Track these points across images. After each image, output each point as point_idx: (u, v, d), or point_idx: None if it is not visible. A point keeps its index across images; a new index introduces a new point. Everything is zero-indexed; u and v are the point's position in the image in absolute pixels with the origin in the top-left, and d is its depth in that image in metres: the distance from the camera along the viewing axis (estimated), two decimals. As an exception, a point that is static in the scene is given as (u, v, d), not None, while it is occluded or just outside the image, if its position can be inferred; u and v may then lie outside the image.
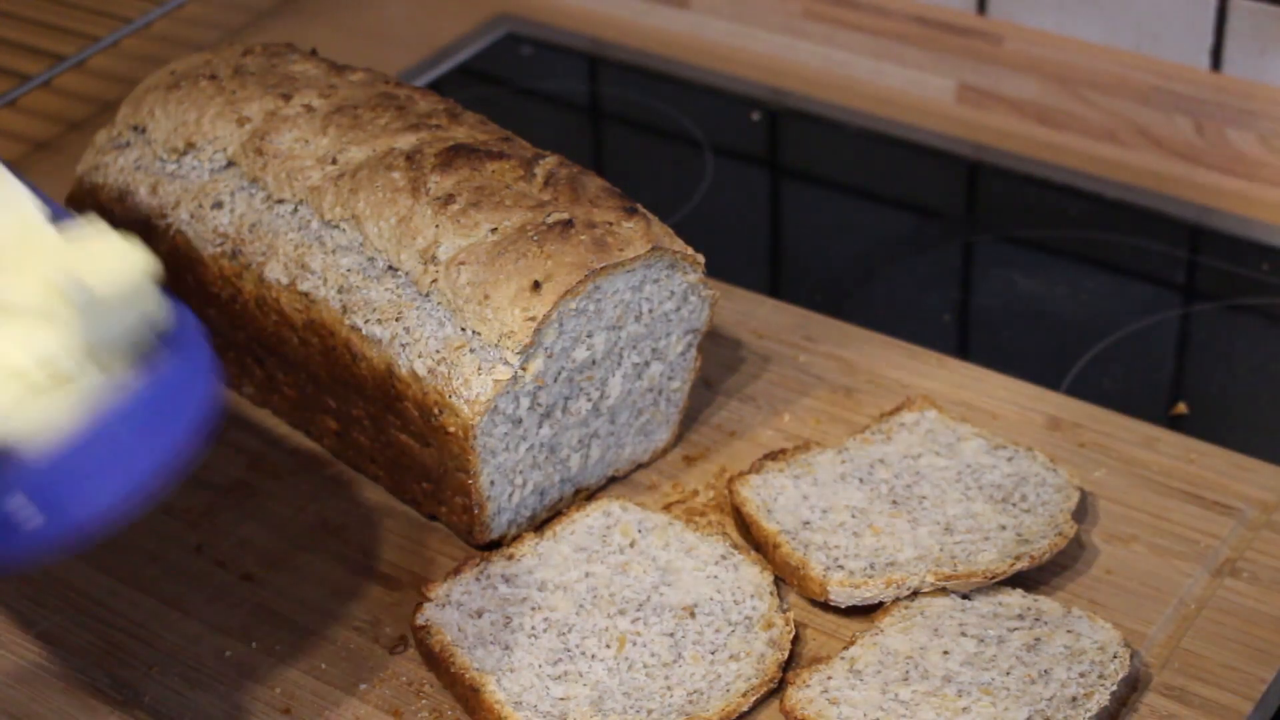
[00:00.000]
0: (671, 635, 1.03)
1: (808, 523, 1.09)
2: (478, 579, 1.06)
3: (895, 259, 1.42)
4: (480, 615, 1.04)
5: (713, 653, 1.03)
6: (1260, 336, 1.35)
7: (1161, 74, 1.46)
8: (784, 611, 1.04)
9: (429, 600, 1.05)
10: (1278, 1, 1.40)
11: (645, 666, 1.02)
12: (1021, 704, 0.98)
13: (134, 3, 1.59)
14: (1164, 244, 1.41)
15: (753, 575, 1.07)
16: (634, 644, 1.03)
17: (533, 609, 1.04)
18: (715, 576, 1.07)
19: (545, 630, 1.03)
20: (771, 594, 1.05)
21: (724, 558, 1.08)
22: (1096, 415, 1.19)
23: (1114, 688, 0.98)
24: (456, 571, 1.06)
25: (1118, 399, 1.22)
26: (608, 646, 1.02)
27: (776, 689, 1.01)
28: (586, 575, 1.07)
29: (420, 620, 1.04)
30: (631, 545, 1.08)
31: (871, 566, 1.05)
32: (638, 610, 1.04)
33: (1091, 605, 1.06)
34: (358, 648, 1.06)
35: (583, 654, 1.02)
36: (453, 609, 1.04)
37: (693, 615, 1.04)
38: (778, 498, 1.11)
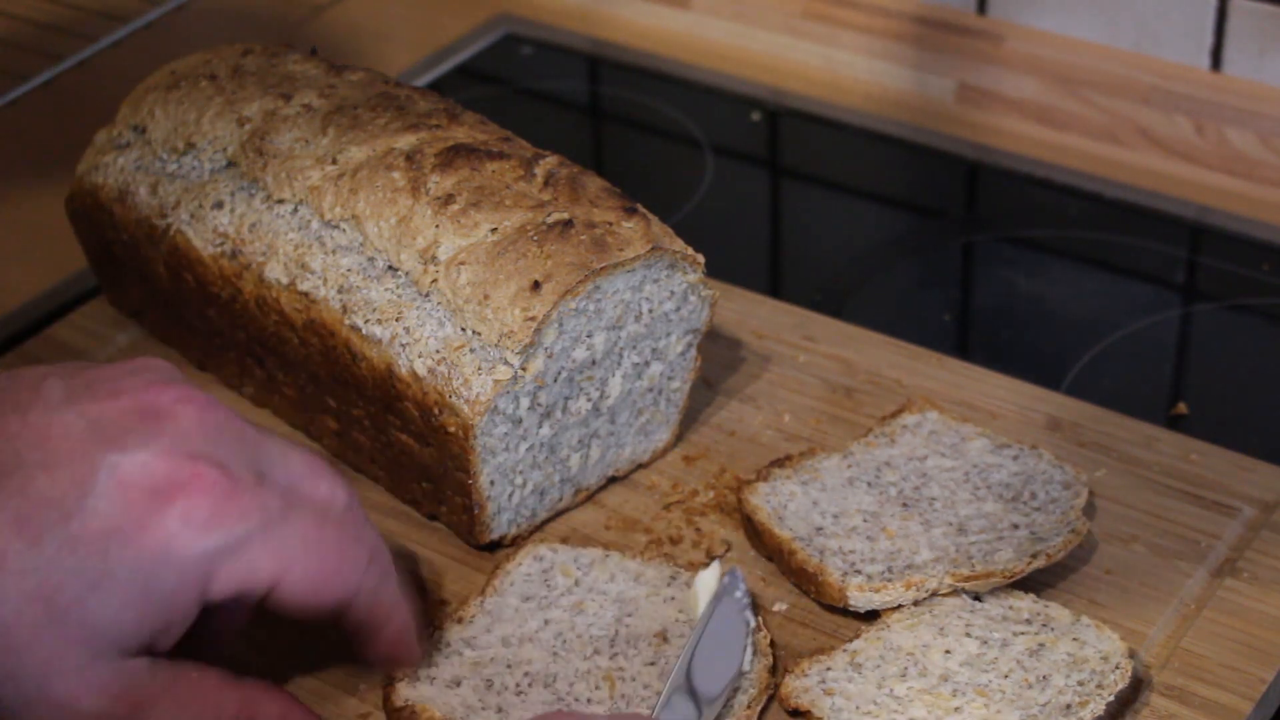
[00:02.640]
0: (654, 664, 1.01)
1: (820, 529, 1.08)
2: (438, 649, 1.01)
3: (895, 259, 1.42)
4: (459, 684, 1.00)
5: None
6: (1260, 336, 1.35)
7: (1161, 74, 1.46)
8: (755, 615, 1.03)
9: (398, 680, 1.00)
10: (1278, 2, 1.40)
11: (642, 700, 0.99)
12: (1014, 708, 0.98)
13: (134, 3, 1.59)
14: (1164, 244, 1.41)
15: None
16: (623, 680, 1.00)
17: (508, 666, 1.01)
18: (673, 598, 1.05)
19: (530, 685, 1.00)
20: None
21: (673, 578, 1.06)
22: (1096, 415, 1.19)
23: (1110, 698, 0.98)
24: None
25: (1118, 399, 1.22)
26: (598, 688, 1.00)
27: (773, 696, 1.01)
28: (546, 623, 1.03)
29: (399, 703, 0.99)
30: (576, 584, 1.06)
31: (889, 570, 1.05)
32: (611, 646, 1.02)
33: (1091, 605, 1.06)
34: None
35: (576, 700, 0.99)
36: (426, 684, 1.00)
37: (666, 640, 1.02)
38: (788, 504, 1.10)
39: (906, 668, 1.00)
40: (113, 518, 0.85)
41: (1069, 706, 0.98)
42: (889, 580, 1.04)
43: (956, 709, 0.98)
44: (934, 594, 1.04)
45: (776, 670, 1.02)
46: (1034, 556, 1.05)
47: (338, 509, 0.93)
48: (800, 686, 0.99)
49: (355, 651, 0.97)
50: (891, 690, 0.99)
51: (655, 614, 1.04)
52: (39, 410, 0.88)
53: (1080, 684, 0.99)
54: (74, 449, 0.87)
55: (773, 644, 1.03)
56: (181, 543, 0.86)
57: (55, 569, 0.85)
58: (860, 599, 1.04)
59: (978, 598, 1.05)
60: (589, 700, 0.99)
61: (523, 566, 1.07)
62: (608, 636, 1.02)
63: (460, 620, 1.02)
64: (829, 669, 1.00)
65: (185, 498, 0.86)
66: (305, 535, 0.90)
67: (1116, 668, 1.00)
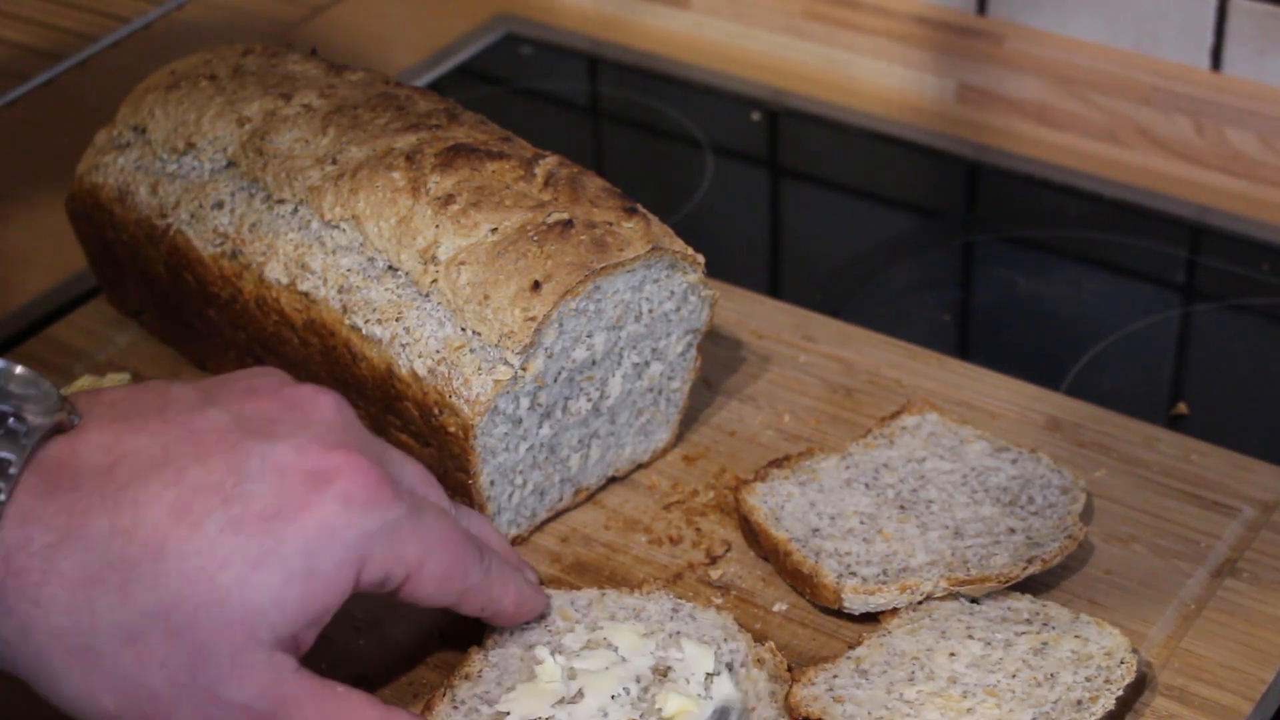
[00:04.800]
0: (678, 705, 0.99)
1: (817, 530, 1.08)
2: (455, 708, 0.99)
3: (895, 259, 1.42)
4: None
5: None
6: (1260, 336, 1.35)
7: (1161, 74, 1.46)
8: (764, 643, 1.02)
9: None
10: (1278, 2, 1.40)
11: None
12: (1026, 706, 0.98)
13: (134, 3, 1.59)
14: (1164, 244, 1.41)
15: (712, 619, 1.03)
16: None
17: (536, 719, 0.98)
18: (678, 632, 1.03)
19: None
20: (740, 630, 1.03)
21: (675, 611, 1.04)
22: (1096, 415, 1.19)
23: (1120, 692, 0.98)
24: (429, 706, 0.99)
25: (1118, 399, 1.22)
26: None
27: None
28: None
29: None
30: (577, 626, 1.03)
31: (884, 573, 1.05)
32: (624, 689, 0.99)
33: (1091, 605, 1.06)
34: (358, 648, 1.06)
35: None
36: None
37: (667, 676, 1.00)
38: (785, 505, 1.10)
39: (913, 672, 1.00)
40: (273, 500, 0.88)
41: (1079, 703, 0.98)
42: (884, 583, 1.04)
43: (969, 710, 0.98)
44: (929, 597, 1.04)
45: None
46: (1029, 562, 1.05)
47: (438, 501, 0.98)
48: (809, 695, 0.99)
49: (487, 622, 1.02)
50: (901, 695, 0.99)
51: (664, 650, 1.01)
52: (177, 410, 0.90)
53: (1088, 680, 0.99)
54: (224, 440, 0.89)
55: (790, 669, 1.02)
56: (343, 522, 0.89)
57: (218, 550, 0.86)
58: (855, 601, 1.04)
59: (975, 600, 1.05)
60: None
61: None
62: (619, 679, 1.00)
63: (468, 676, 1.01)
64: (836, 676, 1.00)
65: (342, 480, 0.89)
66: (440, 529, 0.94)
67: (1122, 662, 1.00)
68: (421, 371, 1.06)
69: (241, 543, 0.87)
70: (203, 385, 0.93)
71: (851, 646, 1.03)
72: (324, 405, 0.93)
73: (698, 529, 1.13)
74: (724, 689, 0.99)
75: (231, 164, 1.17)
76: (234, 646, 0.87)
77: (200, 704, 0.88)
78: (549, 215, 1.08)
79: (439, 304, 1.07)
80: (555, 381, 1.09)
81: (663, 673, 1.00)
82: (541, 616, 1.04)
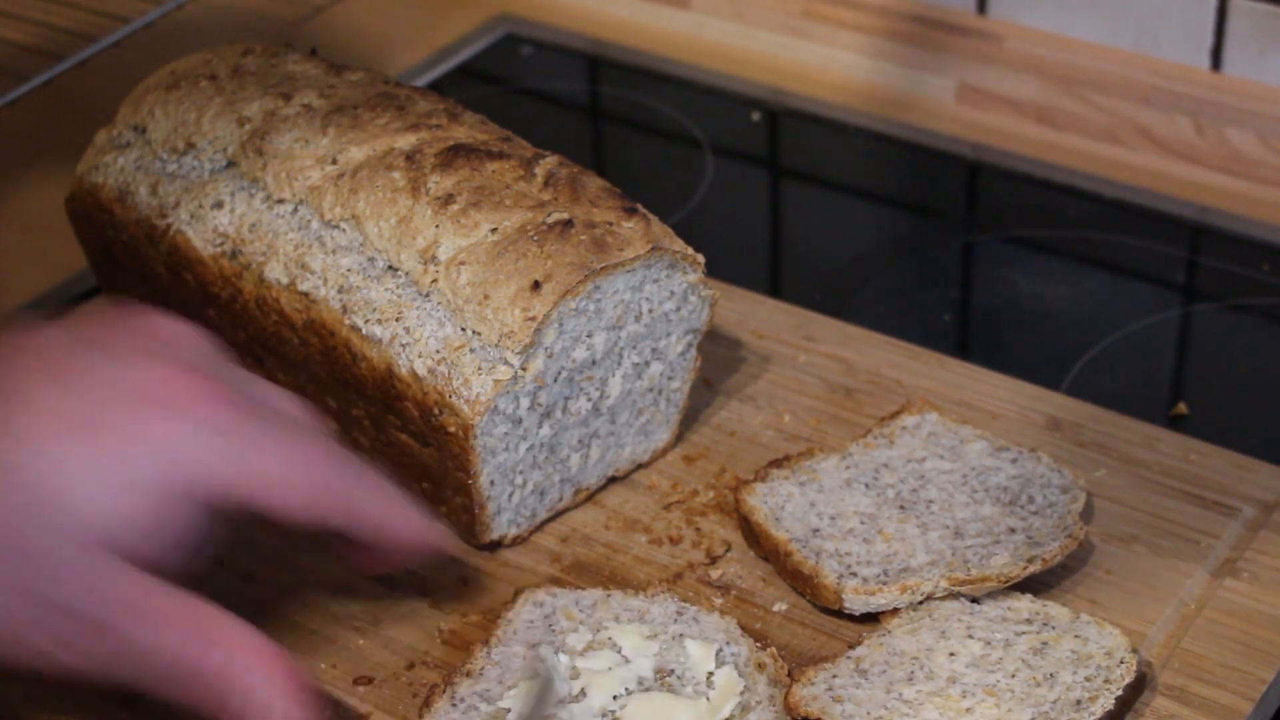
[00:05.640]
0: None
1: (817, 530, 1.08)
2: (454, 704, 1.00)
3: (895, 259, 1.42)
4: None
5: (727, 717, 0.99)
6: (1260, 336, 1.35)
7: (1161, 74, 1.46)
8: (766, 648, 1.02)
9: None
10: (1278, 2, 1.40)
11: None
12: (1025, 706, 0.98)
13: (134, 3, 1.59)
14: (1164, 244, 1.41)
15: (715, 622, 1.04)
16: None
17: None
18: (680, 635, 1.03)
19: None
20: (743, 634, 1.03)
21: (679, 614, 1.05)
22: (1096, 415, 1.19)
23: (1119, 692, 0.98)
24: (427, 703, 1.00)
25: (1118, 399, 1.22)
26: None
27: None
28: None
29: None
30: (580, 626, 1.04)
31: (885, 573, 1.05)
32: (625, 689, 1.00)
33: (1091, 605, 1.06)
34: (358, 648, 1.06)
35: None
36: None
37: (673, 676, 1.01)
38: (785, 505, 1.10)
39: (913, 671, 1.00)
40: (113, 416, 0.90)
41: (1079, 702, 0.98)
42: (884, 583, 1.04)
43: (968, 709, 0.98)
44: (929, 597, 1.04)
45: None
46: (1030, 561, 1.05)
47: (309, 426, 0.98)
48: (809, 695, 0.99)
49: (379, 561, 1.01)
50: (901, 694, 0.99)
51: (665, 652, 1.02)
52: (34, 337, 0.94)
53: (1088, 679, 0.99)
54: (72, 360, 0.92)
55: (790, 673, 1.01)
56: (179, 437, 0.91)
57: (61, 463, 0.89)
58: (856, 602, 1.04)
59: (975, 600, 1.05)
60: None
61: (523, 614, 1.04)
62: (624, 681, 1.00)
63: (470, 674, 1.01)
64: (835, 676, 1.00)
65: (182, 398, 0.91)
66: (298, 443, 0.95)
67: (1121, 662, 1.00)
68: (421, 371, 1.06)
69: (81, 456, 0.89)
70: (67, 320, 0.97)
71: (851, 646, 1.03)
72: (180, 332, 0.96)
73: (698, 529, 1.13)
74: (726, 678, 0.99)
75: (231, 164, 1.17)
76: (68, 554, 0.89)
77: (40, 613, 0.89)
78: (549, 215, 1.08)
79: (439, 304, 1.07)
80: (555, 381, 1.09)
81: (665, 675, 1.00)
82: (546, 616, 1.04)
